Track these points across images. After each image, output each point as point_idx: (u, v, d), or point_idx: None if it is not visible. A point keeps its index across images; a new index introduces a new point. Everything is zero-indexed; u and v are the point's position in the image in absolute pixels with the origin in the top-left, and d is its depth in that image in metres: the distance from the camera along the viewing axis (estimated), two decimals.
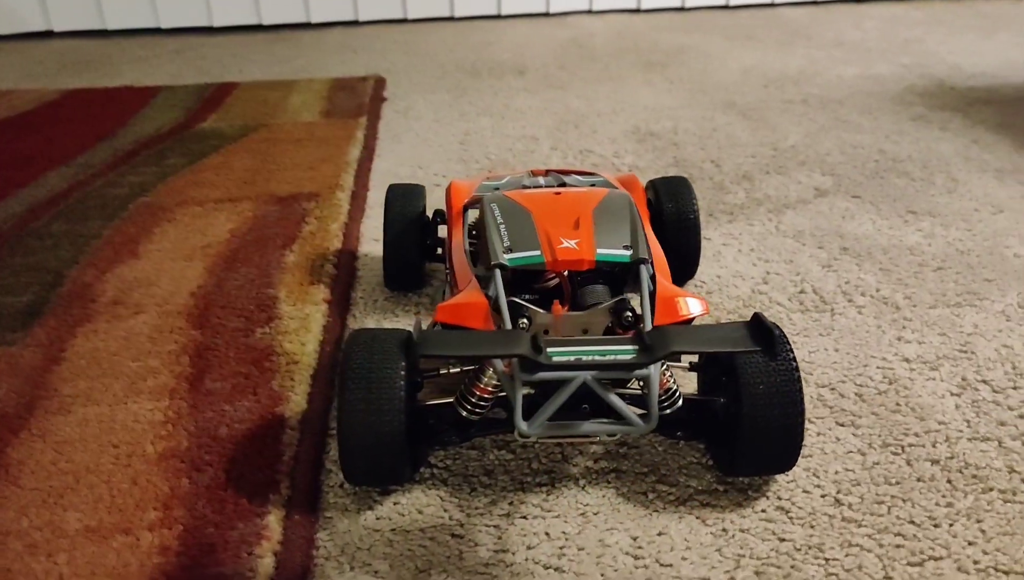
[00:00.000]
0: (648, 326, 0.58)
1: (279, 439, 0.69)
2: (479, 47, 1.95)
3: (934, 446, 0.68)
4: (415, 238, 0.87)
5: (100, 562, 0.57)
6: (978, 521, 0.60)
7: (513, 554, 0.59)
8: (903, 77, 1.71)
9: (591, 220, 0.66)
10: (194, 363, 0.78)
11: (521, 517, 0.62)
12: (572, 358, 0.50)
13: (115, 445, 0.68)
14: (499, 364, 0.57)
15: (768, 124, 1.44)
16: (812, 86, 1.66)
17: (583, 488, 0.65)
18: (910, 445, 0.68)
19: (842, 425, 0.70)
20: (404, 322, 0.86)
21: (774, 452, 0.61)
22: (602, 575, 0.57)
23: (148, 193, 1.16)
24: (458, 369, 0.65)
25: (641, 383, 0.55)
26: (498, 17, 2.22)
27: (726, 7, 2.31)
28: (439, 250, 0.90)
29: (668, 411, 0.63)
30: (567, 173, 0.87)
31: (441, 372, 0.66)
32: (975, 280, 0.93)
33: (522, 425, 0.55)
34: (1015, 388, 0.75)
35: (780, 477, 0.65)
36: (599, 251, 0.63)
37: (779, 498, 0.63)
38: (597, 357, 0.50)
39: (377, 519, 0.62)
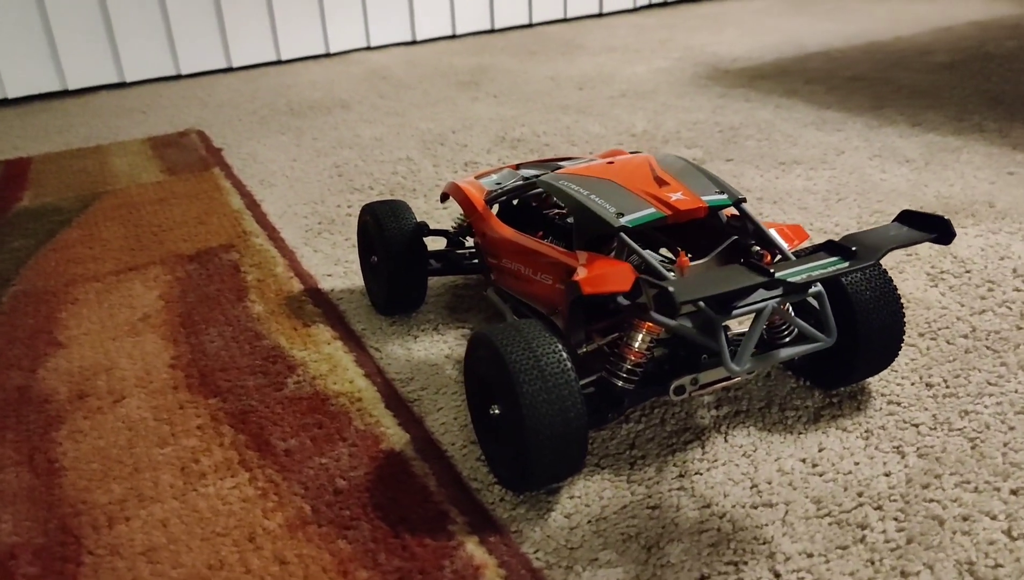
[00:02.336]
0: (788, 251, 0.61)
1: (410, 473, 0.61)
2: (280, 90, 1.86)
3: (957, 322, 0.78)
4: (417, 255, 0.82)
5: None
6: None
7: (717, 505, 0.58)
8: (684, 68, 1.92)
9: (672, 176, 0.67)
10: (241, 430, 0.67)
11: (696, 473, 0.62)
12: (804, 276, 0.52)
13: (221, 533, 0.56)
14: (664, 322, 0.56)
15: (611, 117, 1.55)
16: (618, 83, 1.80)
17: (726, 434, 0.66)
18: (941, 328, 0.78)
19: None
20: (431, 339, 0.81)
21: (883, 353, 0.66)
22: (806, 496, 0.59)
23: (14, 281, 0.96)
24: (595, 346, 0.63)
25: (815, 302, 0.58)
26: (279, 63, 2.13)
27: (492, 31, 2.43)
28: (432, 263, 0.86)
29: (788, 339, 0.67)
30: (555, 161, 0.87)
31: (580, 352, 0.63)
32: (871, 202, 1.09)
33: (732, 364, 0.55)
34: (967, 272, 0.89)
35: (871, 379, 0.71)
36: (704, 198, 0.64)
37: (883, 395, 0.69)
38: (821, 271, 0.52)
39: (566, 518, 0.58)
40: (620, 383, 0.61)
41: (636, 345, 0.60)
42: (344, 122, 1.59)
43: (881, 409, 0.68)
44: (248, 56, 2.07)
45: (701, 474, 0.62)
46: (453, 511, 0.58)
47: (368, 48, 2.25)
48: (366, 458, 0.63)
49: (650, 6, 2.70)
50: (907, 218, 0.57)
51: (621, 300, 0.63)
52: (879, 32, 2.16)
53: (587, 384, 0.61)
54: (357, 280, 0.94)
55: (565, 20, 2.57)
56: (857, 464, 0.62)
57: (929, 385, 0.70)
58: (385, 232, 0.81)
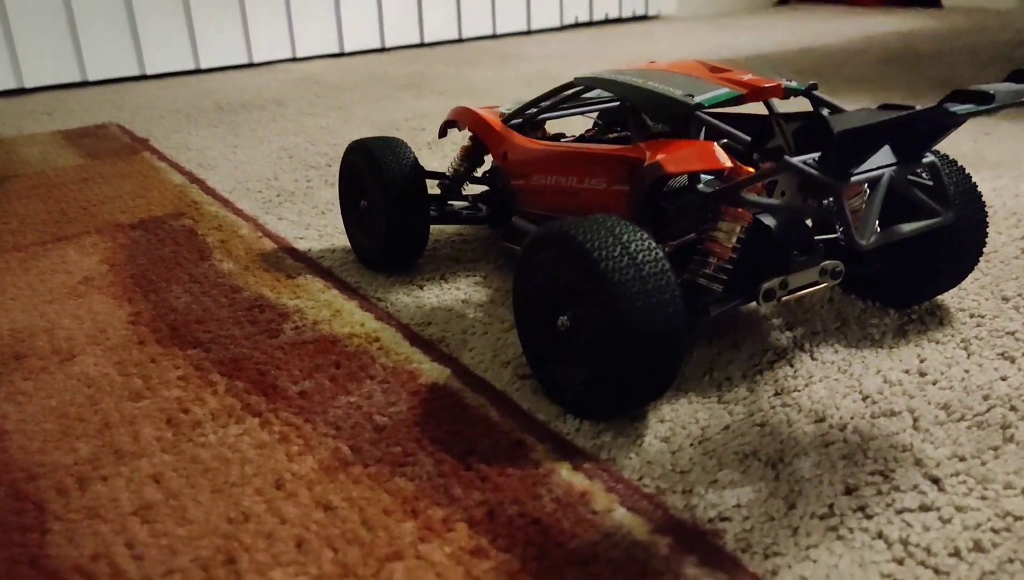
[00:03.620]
0: None
1: (463, 405, 0.50)
2: (203, 94, 1.72)
3: (1003, 246, 0.74)
4: (420, 196, 0.71)
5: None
6: None
7: (833, 418, 0.50)
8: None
9: (731, 68, 0.60)
10: (237, 377, 0.54)
11: (794, 390, 0.53)
12: (960, 110, 0.44)
13: (237, 483, 0.43)
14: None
15: None
16: (566, 79, 1.75)
17: (811, 351, 0.57)
18: (990, 252, 0.73)
19: None
20: (439, 287, 0.70)
21: (968, 258, 0.60)
22: (929, 403, 0.51)
23: None
24: (676, 244, 0.54)
25: (927, 175, 0.51)
26: (199, 71, 1.99)
27: (422, 44, 2.36)
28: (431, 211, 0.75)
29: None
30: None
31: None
32: None
33: (860, 240, 0.47)
34: (990, 206, 0.85)
35: (941, 299, 0.65)
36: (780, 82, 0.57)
37: (961, 310, 0.63)
38: (965, 109, 0.45)
39: (664, 442, 0.48)
40: (707, 283, 0.52)
41: (722, 237, 0.52)
42: (283, 116, 1.47)
43: (966, 322, 0.61)
44: (164, 64, 1.92)
45: (800, 390, 0.53)
46: (529, 440, 0.47)
47: (294, 59, 2.14)
48: (404, 393, 0.51)
49: (576, 25, 2.70)
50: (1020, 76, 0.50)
51: (703, 187, 0.55)
52: (808, 41, 2.21)
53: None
54: (337, 241, 0.82)
55: (495, 36, 2.53)
56: (968, 372, 0.54)
57: (1005, 298, 0.64)
58: (382, 169, 0.70)
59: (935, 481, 0.44)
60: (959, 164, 0.60)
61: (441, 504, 0.41)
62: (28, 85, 1.78)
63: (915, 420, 0.49)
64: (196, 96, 1.71)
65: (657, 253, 0.46)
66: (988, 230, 0.61)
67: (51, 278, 0.72)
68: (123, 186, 1.01)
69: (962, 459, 0.45)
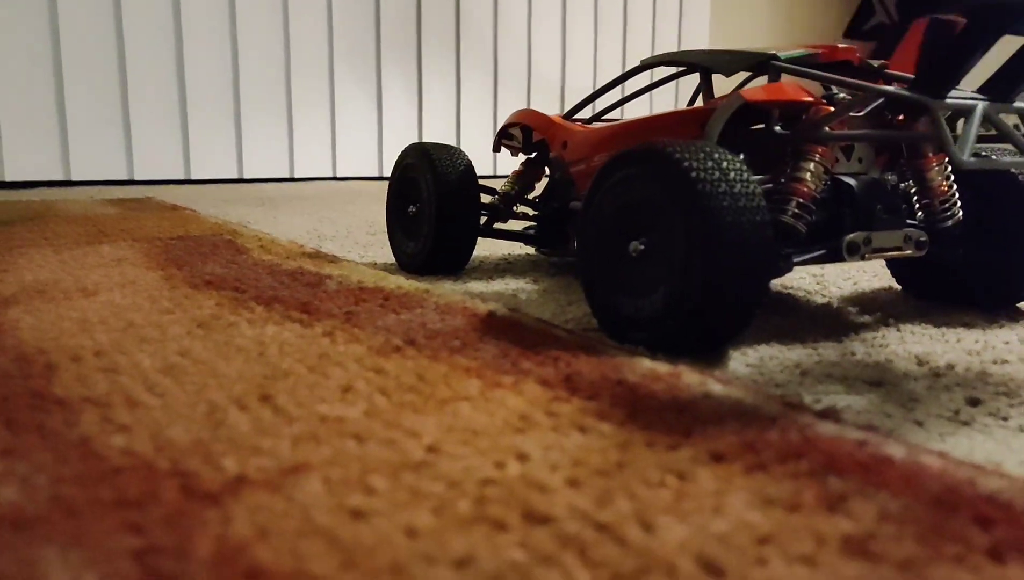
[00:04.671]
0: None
1: (526, 326, 0.45)
2: (248, 191, 1.76)
3: None
4: (473, 201, 0.69)
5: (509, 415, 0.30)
6: None
7: (936, 360, 0.44)
8: None
9: None
10: (276, 305, 0.49)
11: (887, 346, 0.48)
12: None
13: (294, 357, 0.38)
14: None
15: None
16: None
17: (899, 327, 0.53)
18: None
19: None
20: (485, 284, 0.66)
21: None
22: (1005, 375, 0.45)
23: None
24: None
25: (994, 128, 0.49)
26: (241, 180, 2.05)
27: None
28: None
29: (950, 223, 0.56)
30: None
31: None
32: None
33: (960, 156, 0.44)
34: None
35: None
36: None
37: None
38: None
39: (753, 367, 0.43)
40: (792, 221, 0.48)
41: (807, 176, 0.49)
42: (325, 205, 1.49)
43: None
44: (210, 170, 1.99)
45: (894, 345, 0.48)
46: (601, 345, 0.41)
47: (334, 177, 2.21)
48: (460, 317, 0.47)
49: None
50: None
51: (781, 129, 0.52)
52: None
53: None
54: (380, 255, 0.79)
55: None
56: None
57: None
58: (438, 171, 0.69)
59: None
60: None
61: (508, 372, 0.36)
62: (75, 177, 1.84)
63: None
64: (239, 192, 1.75)
65: (749, 175, 0.44)
66: None
67: (83, 259, 0.69)
68: (160, 222, 1.00)
69: None
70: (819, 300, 0.61)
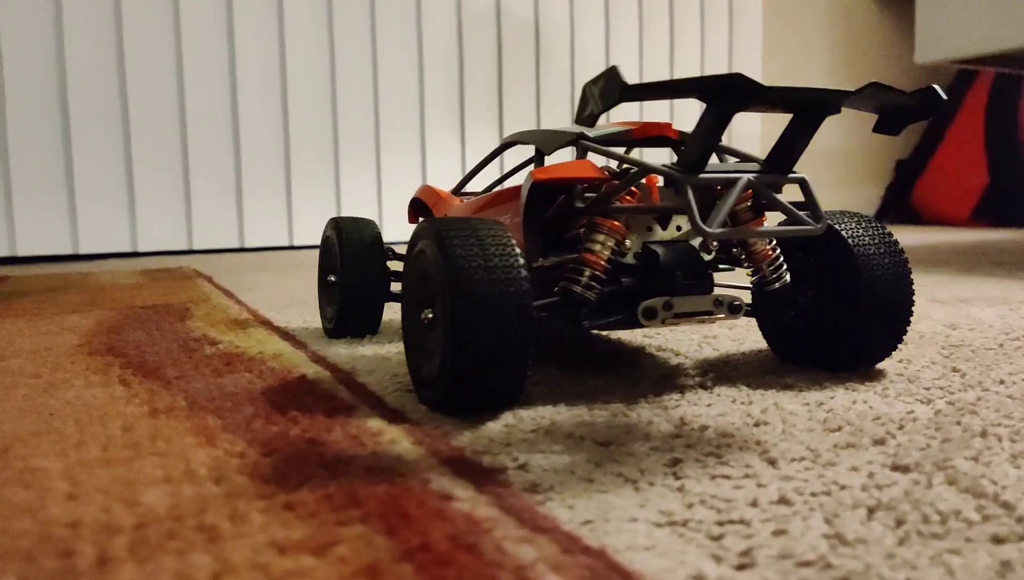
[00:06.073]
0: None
1: (319, 387, 0.50)
2: (293, 257, 1.89)
3: None
4: (377, 270, 0.75)
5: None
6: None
7: (693, 421, 0.46)
8: None
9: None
10: (134, 369, 0.56)
11: (672, 407, 0.50)
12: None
13: (62, 411, 0.44)
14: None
15: None
16: None
17: (712, 387, 0.54)
18: None
19: None
20: (381, 346, 0.71)
21: (892, 322, 0.57)
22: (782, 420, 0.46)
23: None
24: (554, 261, 0.55)
25: (802, 189, 0.50)
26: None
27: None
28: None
29: (777, 286, 0.58)
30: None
31: (535, 265, 0.54)
32: None
33: (704, 226, 0.46)
34: None
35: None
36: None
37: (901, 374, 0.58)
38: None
39: (506, 426, 0.46)
40: (581, 291, 0.51)
41: (597, 248, 0.52)
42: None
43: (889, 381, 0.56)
44: (261, 240, 2.13)
45: (675, 407, 0.49)
46: (365, 410, 0.46)
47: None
48: (273, 381, 0.52)
49: None
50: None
51: (579, 204, 0.56)
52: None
53: (546, 304, 0.52)
54: (317, 323, 0.86)
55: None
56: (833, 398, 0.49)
57: (955, 371, 0.59)
58: (344, 243, 0.75)
59: (771, 462, 0.39)
60: (887, 229, 0.59)
61: (236, 434, 0.40)
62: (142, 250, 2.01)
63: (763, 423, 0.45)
64: (289, 258, 1.87)
65: (510, 250, 0.47)
66: (914, 289, 0.58)
67: (36, 327, 0.79)
68: (160, 291, 1.10)
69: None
70: (673, 361, 0.63)
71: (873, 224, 0.58)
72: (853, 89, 0.46)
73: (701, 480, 0.37)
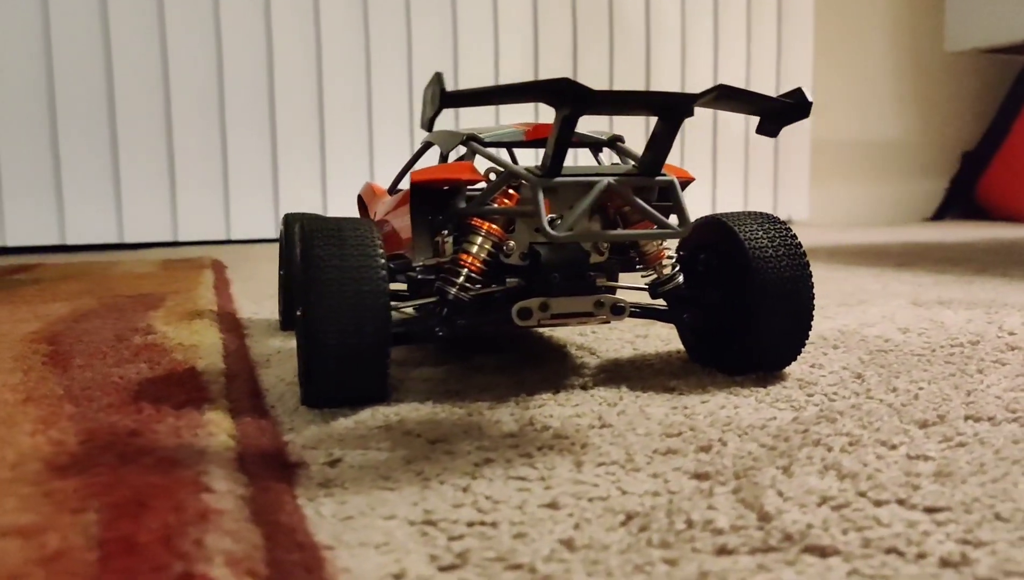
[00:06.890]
0: None
1: (196, 374, 0.52)
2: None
3: None
4: None
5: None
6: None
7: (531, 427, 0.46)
8: None
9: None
10: (51, 358, 0.60)
11: (538, 407, 0.50)
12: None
13: None
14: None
15: None
16: None
17: (592, 387, 0.54)
18: None
19: None
20: None
21: (793, 326, 0.56)
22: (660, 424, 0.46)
23: None
24: (435, 260, 0.56)
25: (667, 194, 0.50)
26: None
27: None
28: None
29: (670, 287, 0.58)
30: None
31: (417, 265, 0.56)
32: None
33: (549, 229, 0.46)
34: None
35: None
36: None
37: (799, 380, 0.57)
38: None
39: (354, 422, 0.47)
40: (453, 291, 0.52)
41: (473, 249, 0.52)
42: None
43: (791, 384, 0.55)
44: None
45: (539, 408, 0.50)
46: (216, 395, 0.48)
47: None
48: (166, 369, 0.54)
49: None
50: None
51: (462, 204, 0.56)
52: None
53: (423, 305, 0.53)
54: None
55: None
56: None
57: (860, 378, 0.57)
58: (290, 236, 0.78)
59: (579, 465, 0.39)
60: (790, 230, 0.57)
61: (76, 422, 0.43)
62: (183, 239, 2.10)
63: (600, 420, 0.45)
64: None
65: (373, 250, 0.48)
66: (814, 292, 0.56)
67: (16, 314, 0.84)
68: (158, 281, 1.15)
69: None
70: (581, 360, 0.63)
71: (776, 226, 0.57)
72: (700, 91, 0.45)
73: (494, 481, 0.38)
